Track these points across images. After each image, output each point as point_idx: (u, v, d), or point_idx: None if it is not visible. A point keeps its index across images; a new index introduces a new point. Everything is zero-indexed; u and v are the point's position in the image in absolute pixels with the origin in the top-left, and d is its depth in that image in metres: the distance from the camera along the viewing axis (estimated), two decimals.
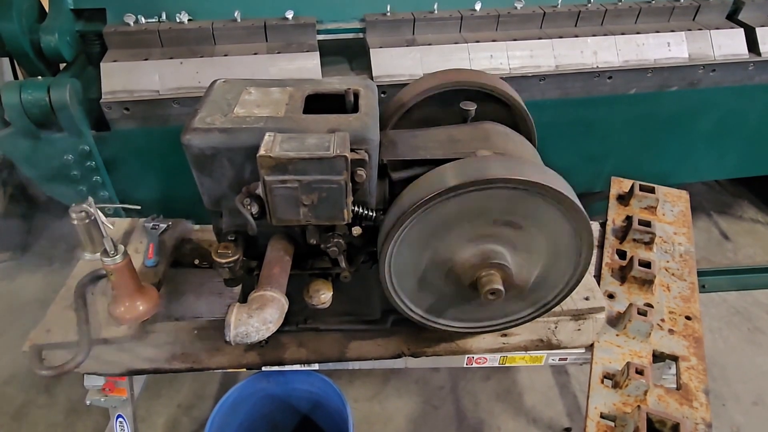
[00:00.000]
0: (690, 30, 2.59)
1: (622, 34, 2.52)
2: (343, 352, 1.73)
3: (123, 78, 2.21)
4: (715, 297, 3.15)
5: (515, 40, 2.45)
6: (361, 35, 2.46)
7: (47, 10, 2.31)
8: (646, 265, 1.96)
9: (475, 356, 1.79)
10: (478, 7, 2.48)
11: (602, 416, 1.57)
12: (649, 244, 2.14)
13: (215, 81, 1.56)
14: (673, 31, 2.57)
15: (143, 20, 2.30)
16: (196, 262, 1.85)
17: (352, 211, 1.36)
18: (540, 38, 2.47)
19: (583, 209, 1.34)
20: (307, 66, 2.30)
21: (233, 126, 1.32)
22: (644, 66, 2.52)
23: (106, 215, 1.56)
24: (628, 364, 1.63)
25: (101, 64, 2.21)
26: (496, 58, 2.42)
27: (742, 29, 2.62)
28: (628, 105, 2.64)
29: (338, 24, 2.45)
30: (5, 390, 2.65)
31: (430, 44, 2.39)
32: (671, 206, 2.36)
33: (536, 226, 1.40)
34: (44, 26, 2.21)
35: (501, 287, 1.37)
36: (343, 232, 1.44)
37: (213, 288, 1.93)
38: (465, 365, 1.82)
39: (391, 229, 1.35)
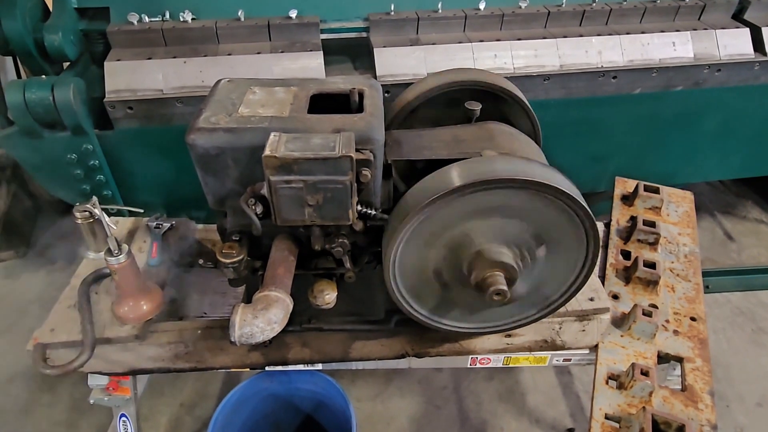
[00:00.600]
0: (695, 29, 2.58)
1: (627, 33, 2.51)
2: (347, 352, 1.73)
3: (126, 77, 2.21)
4: (719, 297, 3.14)
5: (519, 39, 2.44)
6: (364, 34, 2.46)
7: (51, 9, 2.31)
8: (651, 265, 1.96)
9: (479, 357, 1.79)
10: (482, 6, 2.47)
11: (607, 417, 1.57)
12: (653, 245, 2.13)
13: (219, 80, 1.56)
14: (678, 30, 2.56)
15: (147, 19, 2.30)
16: (200, 261, 1.84)
17: (357, 211, 1.36)
18: (544, 38, 2.46)
19: (589, 209, 1.34)
20: (310, 65, 2.30)
21: (238, 126, 1.32)
22: (649, 66, 2.51)
23: (110, 215, 1.56)
24: (632, 365, 1.62)
25: (105, 63, 2.21)
26: (501, 58, 2.42)
27: (747, 29, 2.61)
28: (633, 105, 2.63)
29: (342, 23, 2.44)
30: (9, 388, 2.65)
31: (434, 44, 2.39)
32: (676, 206, 2.35)
33: (542, 226, 1.39)
34: (48, 25, 2.21)
35: (506, 288, 1.37)
36: (347, 232, 1.44)
37: (217, 287, 1.93)
38: (469, 366, 1.82)
39: (396, 229, 1.35)
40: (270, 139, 1.25)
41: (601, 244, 1.44)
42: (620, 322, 1.85)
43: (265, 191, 1.29)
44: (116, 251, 1.52)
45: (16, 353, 2.77)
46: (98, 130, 2.27)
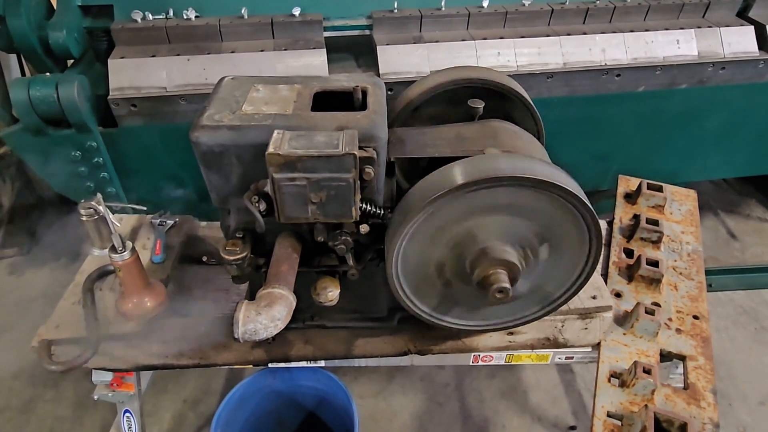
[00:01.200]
0: (699, 27, 2.57)
1: (631, 31, 2.51)
2: (350, 350, 1.73)
3: (130, 74, 2.22)
4: (722, 296, 3.13)
5: (523, 37, 2.44)
6: (367, 32, 2.46)
7: (55, 6, 2.32)
8: (654, 264, 1.96)
9: (482, 354, 1.79)
10: (485, 3, 2.47)
11: (609, 415, 1.57)
12: (656, 243, 2.13)
13: (223, 78, 1.56)
14: (682, 28, 2.56)
15: (150, 17, 2.31)
16: (204, 258, 1.85)
17: (360, 208, 1.36)
18: (548, 35, 2.45)
19: (592, 207, 1.34)
20: (313, 63, 2.30)
21: (242, 123, 1.32)
22: (653, 64, 2.50)
23: (114, 212, 1.56)
24: (635, 363, 1.62)
25: (109, 60, 2.22)
26: (504, 56, 2.41)
27: (752, 26, 2.60)
28: (636, 103, 2.62)
29: (345, 21, 2.45)
30: (14, 384, 2.67)
31: (437, 41, 2.39)
32: (679, 205, 2.35)
33: (545, 224, 1.39)
34: (52, 23, 2.21)
35: (509, 286, 1.37)
36: (350, 229, 1.44)
37: (220, 284, 1.93)
38: (471, 363, 1.82)
39: (399, 227, 1.35)
40: (273, 137, 1.26)
41: (603, 242, 1.44)
42: (623, 320, 1.85)
43: (268, 189, 1.29)
44: (120, 248, 1.53)
45: (21, 349, 2.78)
46: (102, 127, 2.28)
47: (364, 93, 1.49)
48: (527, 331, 1.76)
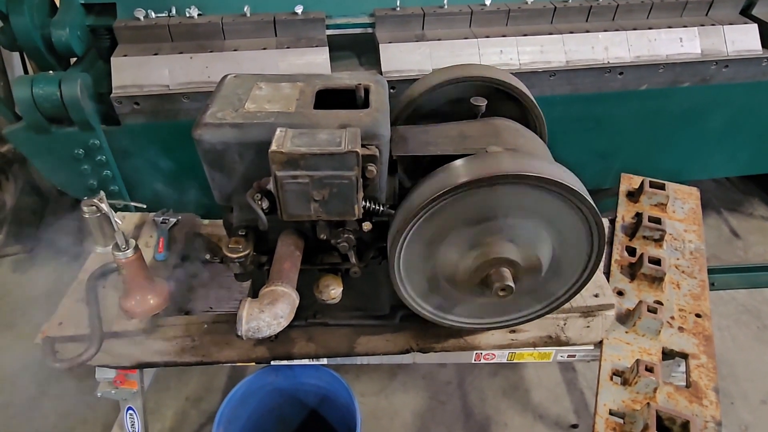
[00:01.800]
0: (703, 25, 2.56)
1: (634, 29, 2.50)
2: (352, 347, 1.74)
3: (133, 73, 2.22)
4: (724, 295, 3.13)
5: (525, 35, 2.43)
6: (370, 30, 2.46)
7: (58, 4, 2.32)
8: (656, 262, 1.96)
9: (484, 352, 1.79)
10: (488, 2, 2.46)
11: (611, 413, 1.57)
12: (659, 241, 2.13)
13: (226, 76, 1.56)
14: (685, 26, 2.55)
15: (153, 15, 2.31)
16: (207, 256, 1.85)
17: (363, 206, 1.36)
18: (551, 33, 2.45)
19: (594, 206, 1.34)
20: (316, 61, 2.30)
21: (244, 121, 1.33)
22: (656, 62, 2.49)
23: (116, 210, 1.57)
24: (637, 361, 1.62)
25: (111, 58, 2.22)
26: (506, 54, 2.41)
27: (755, 24, 2.59)
28: (639, 101, 2.62)
29: (347, 19, 2.44)
30: (17, 381, 2.68)
31: (439, 39, 2.38)
32: (682, 203, 2.34)
33: (547, 223, 1.39)
34: (55, 21, 2.22)
35: (512, 284, 1.37)
36: (353, 227, 1.44)
37: (223, 282, 1.94)
38: (473, 361, 1.82)
39: (402, 225, 1.35)
40: (276, 135, 1.26)
41: (606, 240, 1.44)
42: (625, 318, 1.85)
43: (271, 186, 1.29)
44: (123, 246, 1.53)
45: (25, 347, 2.79)
46: (105, 125, 2.28)
47: (367, 91, 1.49)
48: (529, 329, 1.76)
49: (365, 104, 1.45)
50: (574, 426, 2.54)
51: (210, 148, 1.32)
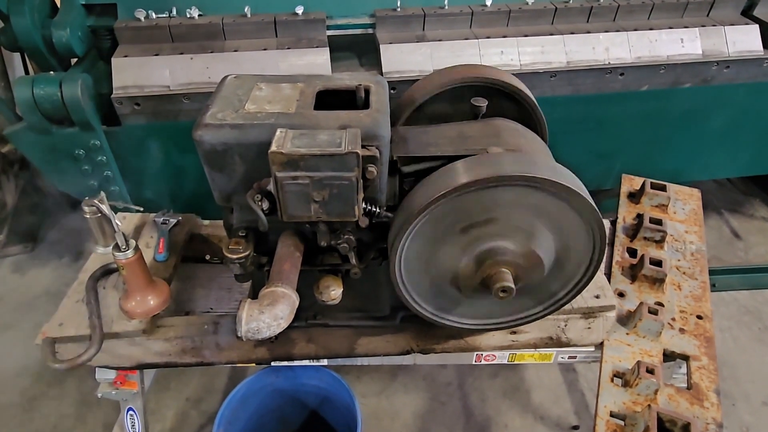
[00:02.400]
0: (704, 26, 2.56)
1: (635, 30, 2.50)
2: (352, 348, 1.73)
3: (134, 73, 2.22)
4: (725, 296, 3.12)
5: (526, 35, 2.43)
6: (371, 31, 2.46)
7: (59, 5, 2.32)
8: (657, 263, 1.95)
9: (484, 353, 1.79)
10: (489, 2, 2.46)
11: (612, 415, 1.57)
12: (660, 243, 2.12)
13: (226, 77, 1.56)
14: (686, 27, 2.54)
15: (154, 15, 2.31)
16: (207, 257, 1.85)
17: (363, 207, 1.36)
18: (551, 34, 2.45)
19: (595, 207, 1.33)
20: (317, 61, 2.30)
21: (244, 122, 1.33)
22: (657, 62, 2.49)
23: (117, 211, 1.57)
24: (638, 363, 1.62)
25: (112, 59, 2.22)
26: (507, 54, 2.41)
27: (757, 25, 2.59)
28: (640, 102, 2.61)
29: (348, 19, 2.44)
30: (18, 381, 2.68)
31: (440, 40, 2.38)
32: (683, 204, 2.34)
33: (548, 223, 1.39)
34: (56, 21, 2.22)
35: (512, 285, 1.37)
36: (353, 228, 1.44)
37: (223, 283, 1.94)
38: (474, 362, 1.82)
39: (402, 226, 1.35)
40: (276, 136, 1.26)
41: (607, 241, 1.44)
42: (626, 319, 1.85)
43: (271, 187, 1.29)
44: (124, 246, 1.53)
45: (25, 347, 2.80)
46: (105, 125, 2.29)
47: (367, 92, 1.48)
48: (530, 330, 1.75)
49: (365, 105, 1.45)
50: (575, 427, 2.53)
51: (210, 148, 1.32)
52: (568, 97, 2.50)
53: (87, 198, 1.66)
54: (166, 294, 1.71)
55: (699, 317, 1.87)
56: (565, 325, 1.76)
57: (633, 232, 2.18)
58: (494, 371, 2.76)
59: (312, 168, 1.24)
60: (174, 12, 2.33)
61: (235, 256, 1.41)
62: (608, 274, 2.02)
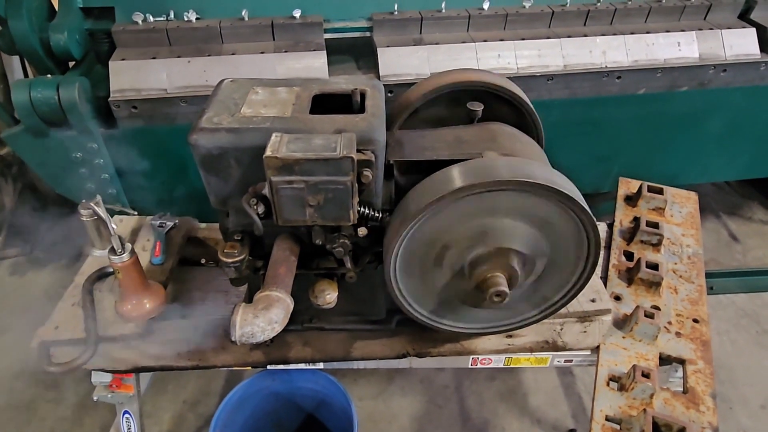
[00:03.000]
0: (701, 29, 2.56)
1: (632, 33, 2.50)
2: (348, 352, 1.73)
3: (131, 76, 2.22)
4: (723, 299, 3.12)
5: (523, 39, 2.43)
6: (368, 34, 2.46)
7: (57, 8, 2.33)
8: (654, 267, 1.95)
9: (480, 357, 1.79)
10: (486, 6, 2.47)
11: (608, 419, 1.57)
12: (656, 246, 2.13)
13: (222, 80, 1.57)
14: (683, 30, 2.55)
15: (151, 19, 2.31)
16: (203, 260, 1.85)
17: (358, 211, 1.36)
18: (548, 38, 2.45)
19: (590, 211, 1.33)
20: (314, 65, 2.30)
21: (240, 126, 1.33)
22: (654, 66, 2.49)
23: (114, 213, 1.57)
24: (634, 366, 1.62)
25: (110, 62, 2.23)
26: (504, 58, 2.41)
27: (754, 29, 2.59)
28: (637, 105, 2.62)
29: (345, 23, 2.44)
30: (14, 384, 2.68)
31: (437, 43, 2.39)
32: (680, 207, 2.34)
33: (543, 227, 1.39)
34: (54, 24, 2.22)
35: (506, 289, 1.37)
36: (348, 232, 1.44)
37: (219, 286, 1.93)
38: (470, 366, 1.82)
39: (397, 230, 1.35)
40: (271, 140, 1.26)
41: (603, 244, 1.44)
42: (622, 323, 1.85)
43: (266, 191, 1.29)
44: (119, 250, 1.53)
45: (21, 350, 2.78)
46: (103, 129, 2.29)
47: (363, 96, 1.49)
48: (526, 334, 1.75)
49: (361, 109, 1.45)
50: (572, 431, 2.53)
51: (206, 152, 1.32)
52: (565, 100, 2.51)
53: (83, 201, 1.66)
54: (161, 297, 1.71)
55: (695, 321, 1.87)
56: (561, 329, 1.76)
57: (630, 235, 2.18)
58: (491, 374, 2.75)
59: (307, 172, 1.24)
60: (171, 15, 2.33)
61: (230, 260, 1.41)
62: (605, 278, 2.02)
